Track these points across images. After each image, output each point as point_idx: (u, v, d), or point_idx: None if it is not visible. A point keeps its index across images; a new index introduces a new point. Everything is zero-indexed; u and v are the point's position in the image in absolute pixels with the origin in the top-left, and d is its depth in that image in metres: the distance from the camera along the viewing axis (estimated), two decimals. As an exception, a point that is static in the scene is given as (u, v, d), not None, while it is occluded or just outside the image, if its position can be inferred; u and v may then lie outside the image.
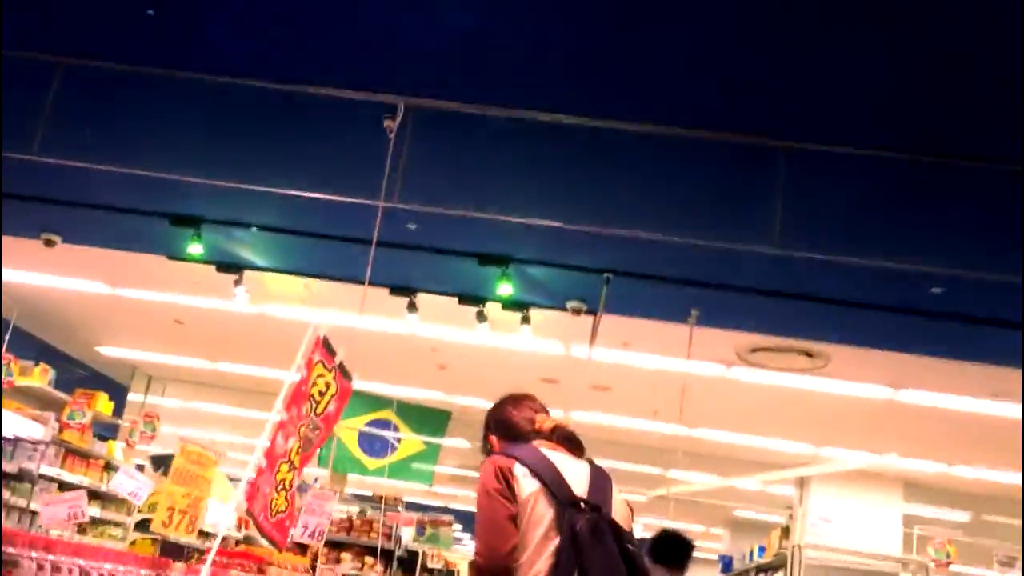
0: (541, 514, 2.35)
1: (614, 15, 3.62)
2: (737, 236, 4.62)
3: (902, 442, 9.40)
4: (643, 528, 17.14)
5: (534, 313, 7.22)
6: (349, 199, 4.99)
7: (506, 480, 2.37)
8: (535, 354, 8.64)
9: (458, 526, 21.73)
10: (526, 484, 2.37)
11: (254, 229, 6.30)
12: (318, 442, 3.39)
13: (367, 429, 11.50)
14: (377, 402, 11.17)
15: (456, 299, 7.05)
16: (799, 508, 11.34)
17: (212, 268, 7.00)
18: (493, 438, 2.69)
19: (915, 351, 6.56)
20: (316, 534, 5.75)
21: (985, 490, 11.25)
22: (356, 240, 6.22)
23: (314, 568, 7.57)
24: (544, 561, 2.29)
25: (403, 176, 4.59)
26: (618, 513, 2.47)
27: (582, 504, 2.36)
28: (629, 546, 2.33)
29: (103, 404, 9.28)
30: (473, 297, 6.95)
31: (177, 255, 6.77)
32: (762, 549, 11.15)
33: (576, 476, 2.46)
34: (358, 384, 11.38)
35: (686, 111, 4.20)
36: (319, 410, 3.30)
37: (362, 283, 7.19)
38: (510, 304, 7.05)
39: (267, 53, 4.38)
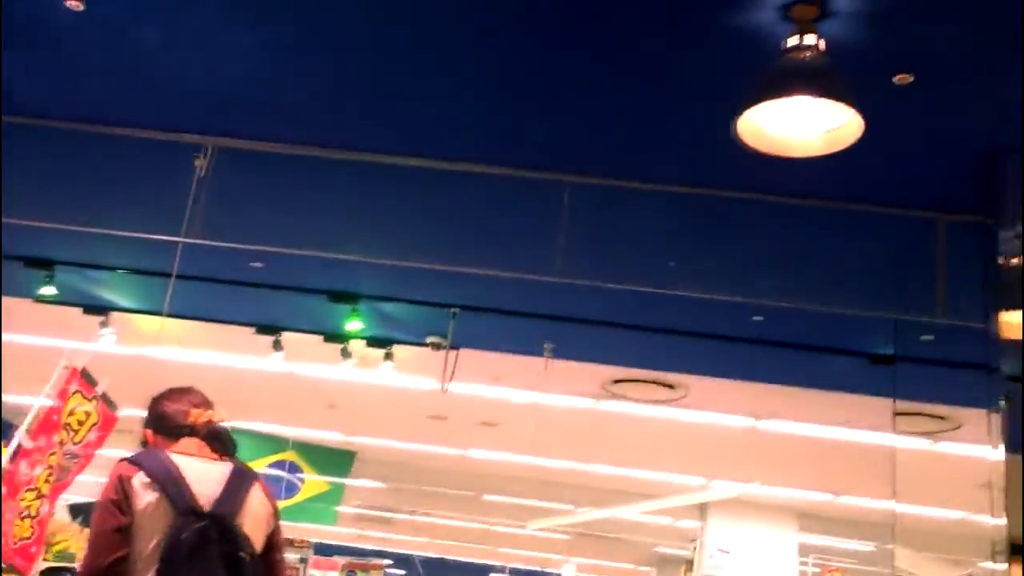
0: (155, 525, 2.38)
1: (391, 55, 3.78)
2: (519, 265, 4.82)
3: (783, 472, 9.61)
4: (576, 568, 17.19)
5: (411, 351, 7.38)
6: (157, 236, 5.10)
7: (124, 490, 2.41)
8: (420, 391, 8.75)
9: (400, 571, 21.58)
10: (144, 494, 2.41)
11: (103, 270, 6.38)
12: (76, 470, 3.45)
13: (268, 471, 11.50)
14: (276, 443, 11.20)
15: (322, 337, 7.20)
16: (700, 540, 11.51)
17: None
18: (148, 432, 2.68)
19: (756, 379, 6.77)
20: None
21: (883, 519, 11.47)
22: (209, 279, 6.35)
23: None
24: (150, 573, 2.34)
25: (203, 212, 4.72)
26: (253, 516, 2.53)
27: (198, 512, 2.40)
28: (242, 554, 2.39)
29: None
30: (335, 335, 7.07)
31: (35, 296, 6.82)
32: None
33: (207, 480, 2.49)
34: (252, 426, 11.39)
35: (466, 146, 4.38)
36: (77, 439, 3.38)
37: (223, 322, 7.37)
38: (373, 341, 7.21)
39: (82, 99, 4.50)
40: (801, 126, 3.11)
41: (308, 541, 11.75)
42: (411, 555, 20.02)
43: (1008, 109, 3.52)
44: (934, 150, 3.85)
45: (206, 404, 2.71)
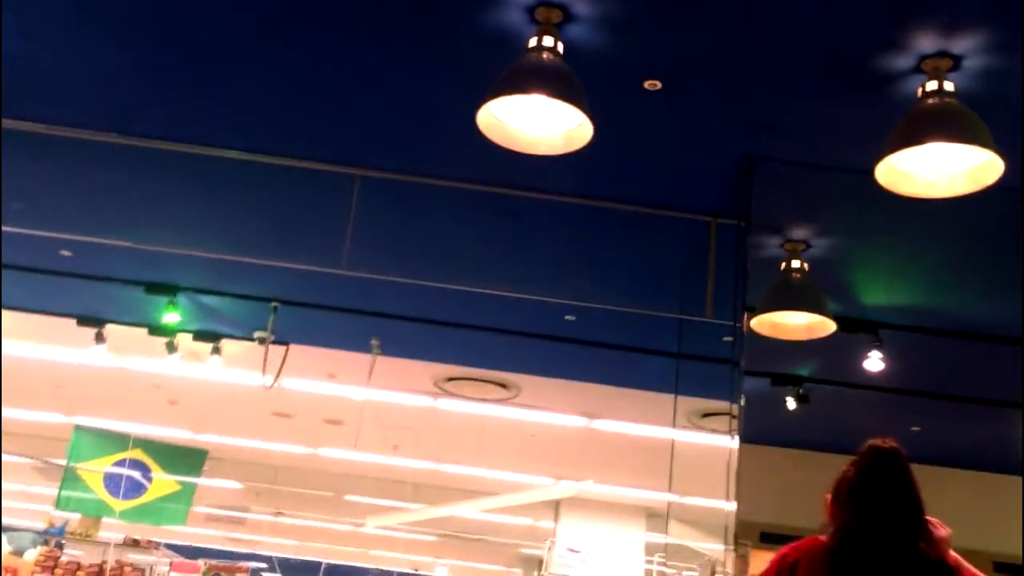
0: None
1: (183, 44, 3.74)
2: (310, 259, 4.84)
3: (625, 471, 9.83)
4: (448, 571, 17.20)
5: (246, 346, 7.29)
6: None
7: None
8: (267, 389, 8.65)
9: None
10: None
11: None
12: None
13: (113, 469, 11.18)
14: (120, 441, 10.89)
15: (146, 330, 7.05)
16: (551, 540, 11.68)
17: None
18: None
19: (578, 378, 6.92)
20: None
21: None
22: (22, 268, 6.16)
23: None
24: None
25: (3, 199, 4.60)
26: None
27: None
28: None
29: None
30: (158, 328, 6.93)
31: None
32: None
33: None
34: (93, 422, 11.06)
35: (279, 139, 4.38)
36: None
37: (42, 313, 7.14)
38: (200, 335, 7.10)
39: None
40: (541, 124, 3.20)
41: (155, 542, 11.49)
42: (271, 556, 19.70)
43: (761, 118, 3.71)
44: (697, 155, 4.02)
45: None
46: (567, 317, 5.85)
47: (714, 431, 6.94)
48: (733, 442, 3.48)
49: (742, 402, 3.56)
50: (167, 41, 3.73)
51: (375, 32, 3.47)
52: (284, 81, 3.91)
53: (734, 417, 3.56)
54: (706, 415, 6.49)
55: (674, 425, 5.42)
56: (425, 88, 3.80)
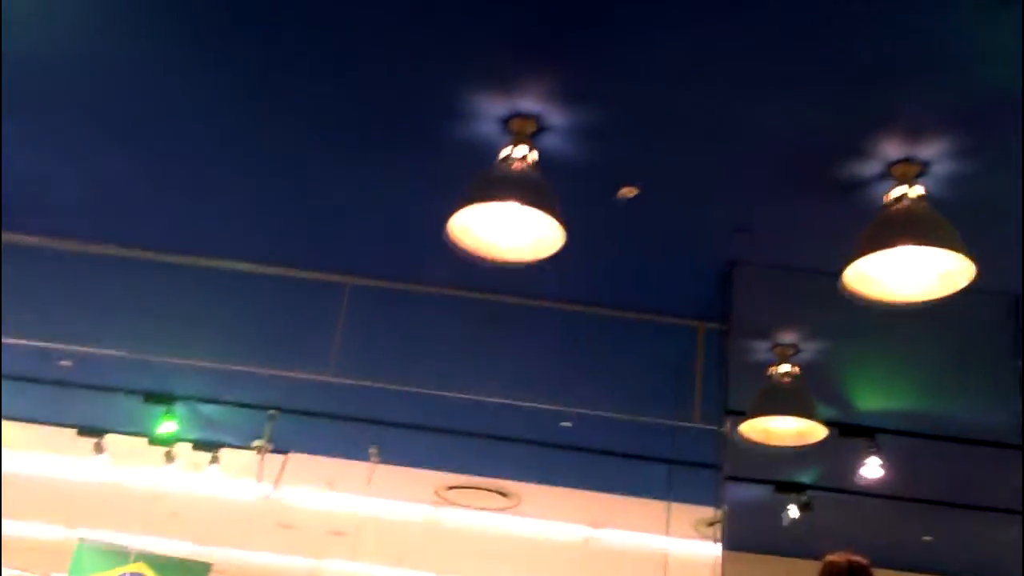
0: None
1: (174, 155, 3.86)
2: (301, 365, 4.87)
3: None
4: None
5: (247, 456, 7.25)
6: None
7: None
8: (268, 499, 8.57)
9: None
10: None
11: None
12: None
13: (115, 584, 11.00)
14: (120, 555, 10.74)
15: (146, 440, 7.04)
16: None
17: None
18: None
19: (577, 486, 6.82)
20: None
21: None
22: (21, 379, 6.21)
23: None
24: None
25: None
26: None
27: None
28: None
29: None
30: (159, 438, 6.92)
31: None
32: None
33: None
34: (95, 534, 10.94)
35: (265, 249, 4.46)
36: None
37: (43, 423, 7.15)
38: (199, 444, 7.08)
39: None
40: (513, 232, 3.26)
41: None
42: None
43: (740, 223, 3.76)
44: (680, 260, 4.06)
45: None
46: (563, 424, 5.80)
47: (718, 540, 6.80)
48: (717, 549, 3.41)
49: (725, 508, 3.49)
50: (163, 153, 3.84)
51: (361, 142, 3.57)
52: (276, 191, 4.01)
53: (718, 523, 3.49)
54: (712, 523, 6.37)
55: (667, 533, 5.31)
56: (410, 196, 3.88)
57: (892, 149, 3.18)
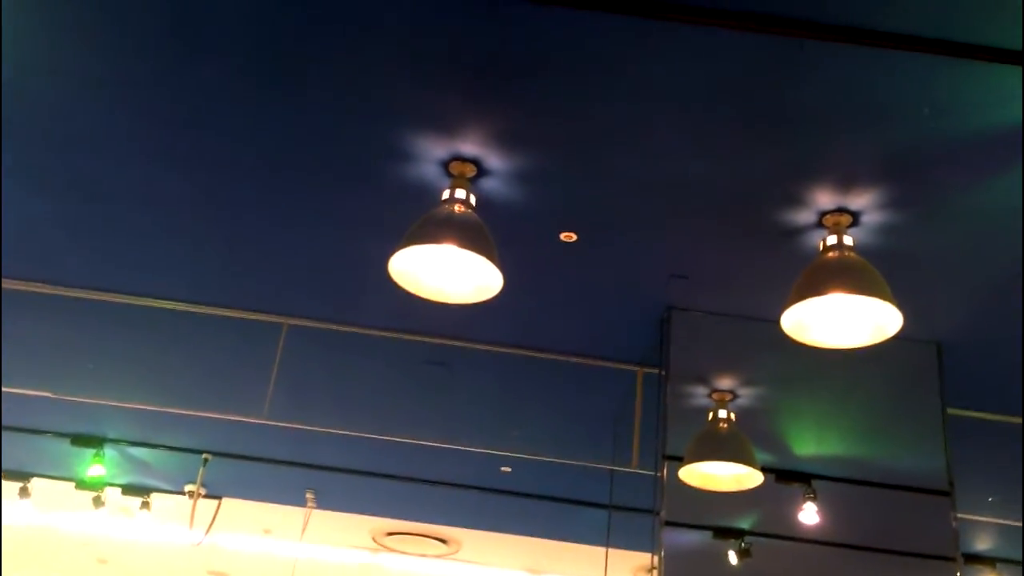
0: None
1: (100, 193, 3.78)
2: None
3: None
4: None
5: (178, 501, 7.07)
6: None
7: None
8: (204, 545, 8.34)
9: None
10: None
11: None
12: None
13: (38, 635, 10.58)
14: (46, 603, 10.36)
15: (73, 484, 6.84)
16: None
17: None
18: None
19: (515, 531, 6.76)
20: None
21: None
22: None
23: None
24: None
25: None
26: None
27: None
28: None
29: None
30: (87, 482, 6.72)
31: None
32: None
33: None
34: (16, 585, 10.48)
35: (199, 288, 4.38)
36: None
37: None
38: (129, 489, 6.89)
39: None
40: (452, 274, 3.25)
41: None
42: None
43: (676, 269, 3.79)
44: (619, 305, 4.08)
45: None
46: (503, 469, 5.77)
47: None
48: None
49: (662, 553, 3.48)
50: (87, 188, 3.75)
51: (299, 181, 3.54)
52: (210, 229, 3.94)
53: (655, 569, 3.48)
54: (650, 570, 6.34)
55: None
56: (349, 237, 3.86)
57: (825, 199, 3.24)
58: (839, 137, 2.99)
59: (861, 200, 3.23)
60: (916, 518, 4.72)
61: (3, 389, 5.47)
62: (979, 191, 3.14)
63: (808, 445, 4.92)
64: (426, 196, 3.38)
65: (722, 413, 4.33)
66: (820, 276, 3.13)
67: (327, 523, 7.20)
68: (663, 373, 3.89)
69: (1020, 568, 6.14)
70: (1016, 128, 2.83)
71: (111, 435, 6.13)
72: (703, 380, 4.26)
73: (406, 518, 6.93)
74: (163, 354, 4.93)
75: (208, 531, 6.85)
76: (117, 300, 4.39)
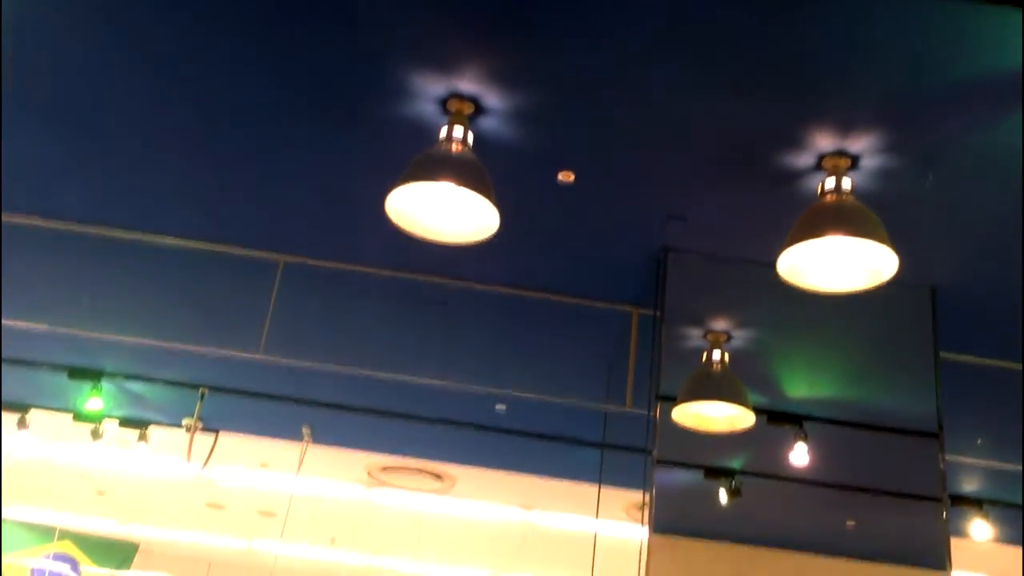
0: None
1: (107, 130, 3.75)
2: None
3: (564, 567, 9.66)
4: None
5: (175, 435, 7.13)
6: None
7: None
8: (201, 477, 8.46)
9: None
10: None
11: None
12: None
13: (41, 563, 10.78)
14: (45, 533, 10.54)
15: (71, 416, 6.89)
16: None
17: None
18: None
19: (511, 469, 6.85)
20: None
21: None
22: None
23: None
24: None
25: None
26: None
27: None
28: None
29: None
30: (85, 414, 6.78)
31: None
32: None
33: None
34: (18, 512, 10.71)
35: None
36: None
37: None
38: (126, 422, 6.95)
39: None
40: (450, 213, 3.24)
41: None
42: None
43: (674, 210, 3.78)
44: (616, 246, 4.08)
45: None
46: (498, 407, 5.81)
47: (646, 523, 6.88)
48: (645, 532, 3.45)
49: (654, 492, 3.53)
50: (91, 126, 3.74)
51: (295, 122, 3.51)
52: (207, 166, 3.92)
53: (646, 506, 3.53)
54: (642, 507, 6.44)
55: (597, 516, 5.36)
56: (346, 177, 3.84)
57: (824, 142, 3.22)
58: (839, 80, 2.96)
59: (860, 143, 3.21)
60: (905, 460, 4.78)
61: (2, 321, 5.49)
62: (978, 135, 3.13)
63: (800, 387, 4.96)
64: (423, 135, 3.35)
65: (716, 354, 4.36)
66: (817, 218, 3.13)
67: (323, 457, 7.28)
68: (658, 314, 3.91)
69: (1006, 508, 6.25)
70: (1016, 72, 2.81)
71: (108, 368, 6.16)
72: (698, 321, 4.28)
73: (401, 454, 7.00)
74: (160, 289, 4.94)
75: (205, 464, 6.93)
76: (115, 235, 4.38)
